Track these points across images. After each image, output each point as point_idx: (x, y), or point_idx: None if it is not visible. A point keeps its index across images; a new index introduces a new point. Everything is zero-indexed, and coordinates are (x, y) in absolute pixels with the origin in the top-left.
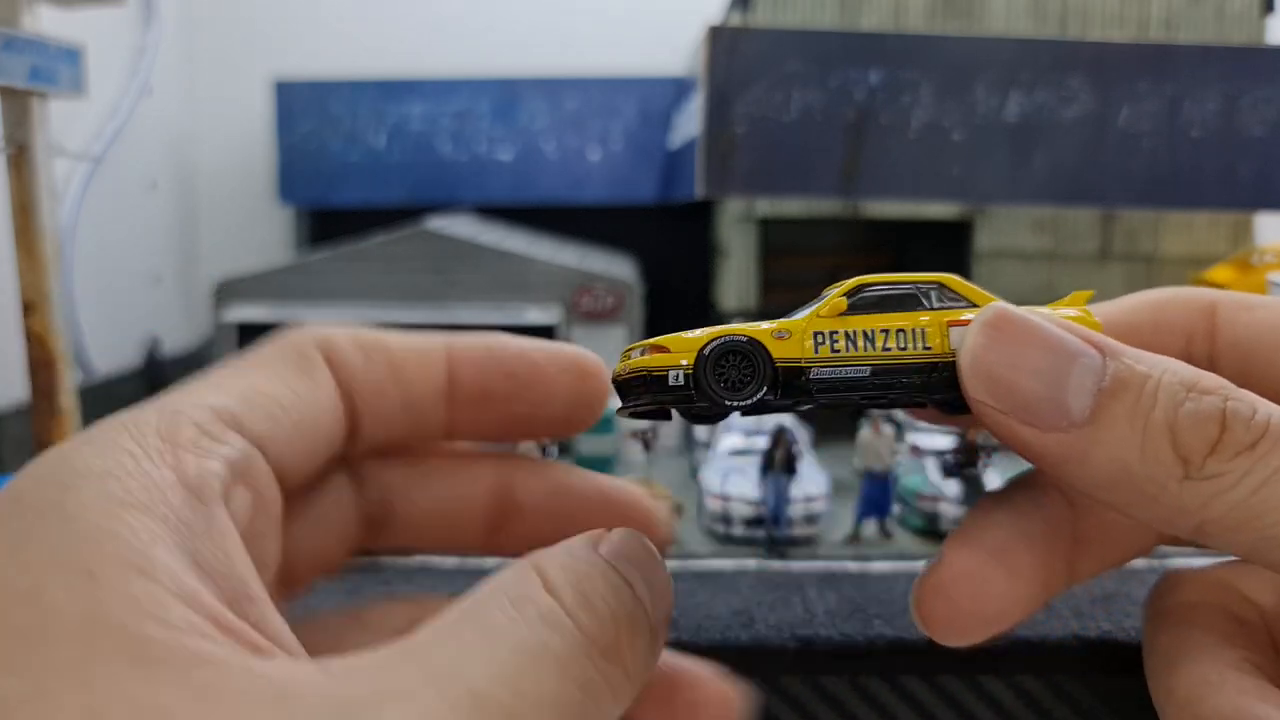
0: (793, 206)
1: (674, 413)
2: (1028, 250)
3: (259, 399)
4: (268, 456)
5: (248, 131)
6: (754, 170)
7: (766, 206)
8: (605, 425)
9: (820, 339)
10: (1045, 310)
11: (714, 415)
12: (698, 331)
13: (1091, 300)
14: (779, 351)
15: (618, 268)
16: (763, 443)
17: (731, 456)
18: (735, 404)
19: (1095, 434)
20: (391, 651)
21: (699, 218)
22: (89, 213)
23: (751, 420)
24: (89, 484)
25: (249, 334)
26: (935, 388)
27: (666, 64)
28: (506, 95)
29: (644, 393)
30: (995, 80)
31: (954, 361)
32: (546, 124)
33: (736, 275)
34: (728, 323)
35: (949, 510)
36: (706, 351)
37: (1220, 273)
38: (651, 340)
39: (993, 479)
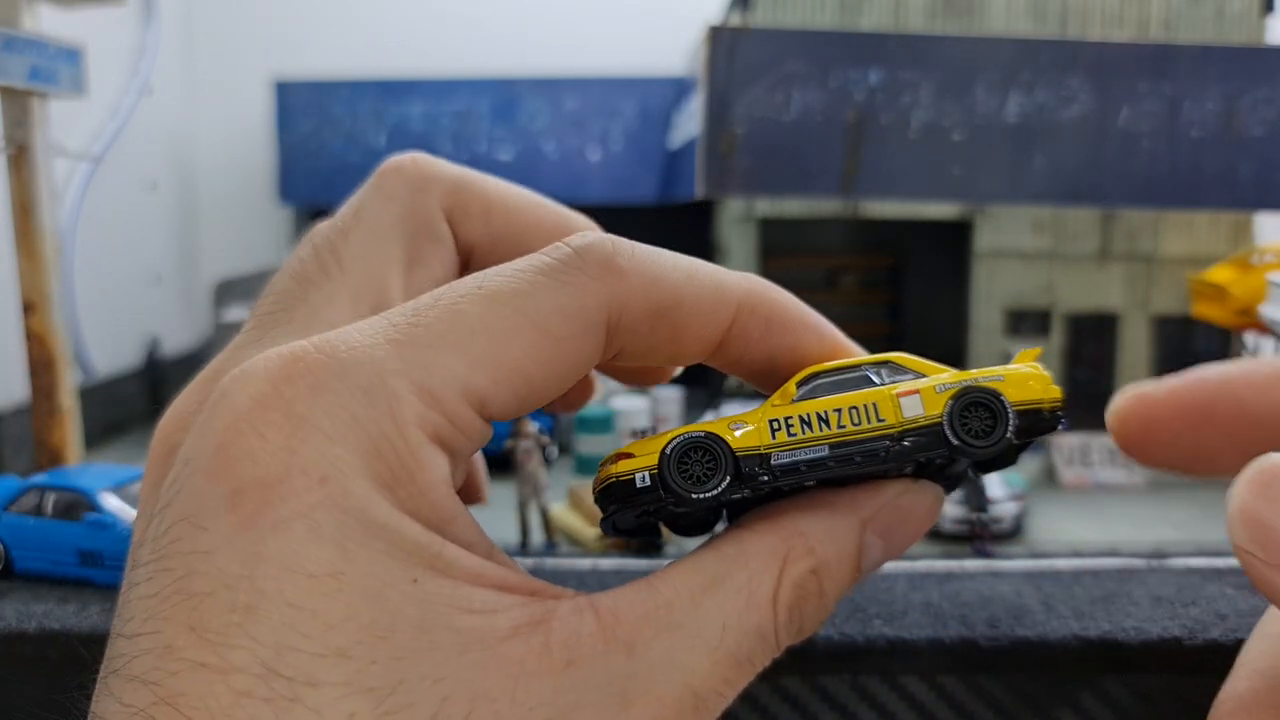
0: (792, 206)
1: (663, 529)
2: (1028, 250)
3: (514, 380)
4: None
5: (248, 131)
6: (754, 170)
7: (766, 206)
8: (605, 424)
9: (776, 425)
10: (1000, 371)
11: (697, 524)
12: (661, 434)
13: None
14: (738, 442)
15: None
16: None
17: None
18: (702, 497)
19: None
20: (651, 608)
21: (699, 218)
22: (89, 213)
23: None
24: (380, 494)
25: None
26: (894, 459)
27: (666, 64)
28: (506, 95)
29: (616, 500)
30: (995, 80)
31: (909, 430)
32: (546, 124)
33: None
34: None
35: (948, 510)
36: (668, 450)
37: (1220, 273)
38: (617, 450)
39: (993, 483)
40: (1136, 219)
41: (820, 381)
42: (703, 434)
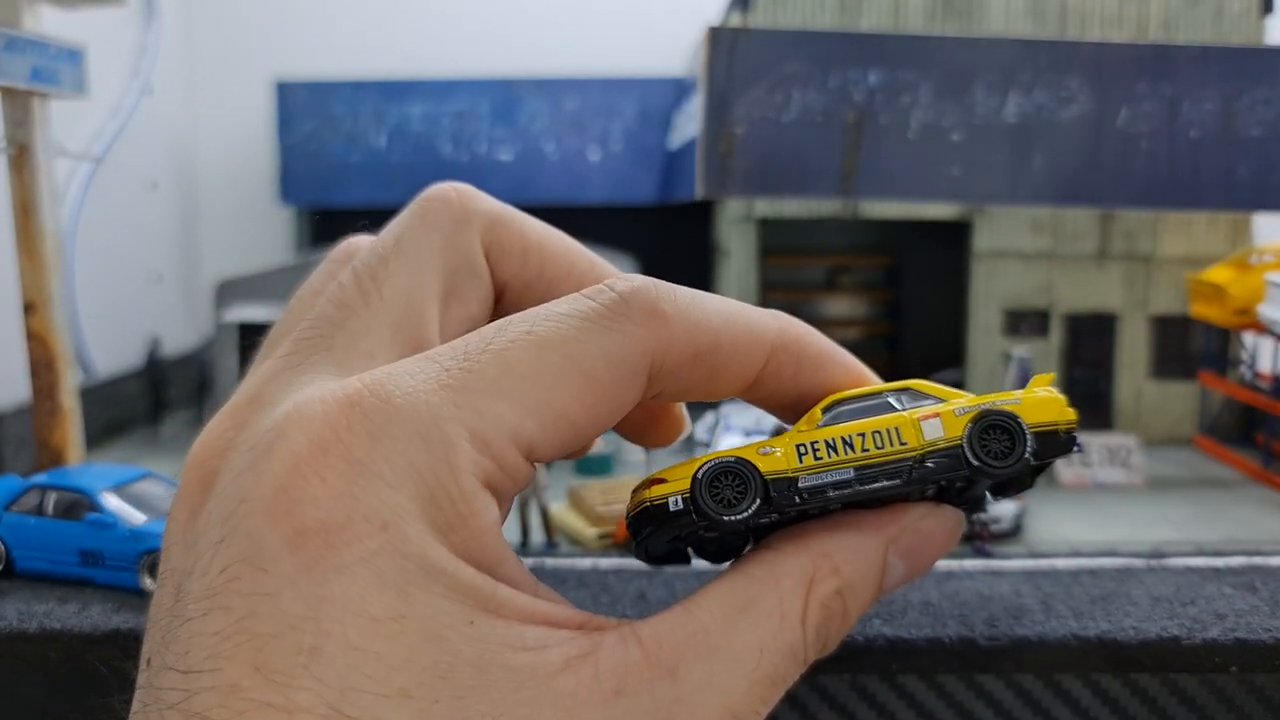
0: (792, 206)
1: (692, 555)
2: (1026, 251)
3: (561, 425)
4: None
5: (248, 132)
6: (754, 170)
7: (766, 206)
8: None
9: (803, 450)
10: (1017, 395)
11: (726, 550)
12: (692, 460)
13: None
14: (766, 466)
15: (618, 268)
16: None
17: None
18: (733, 519)
19: None
20: (690, 633)
21: (699, 218)
22: (90, 213)
23: (751, 420)
24: (437, 540)
25: (249, 334)
26: (916, 481)
27: (666, 64)
28: (507, 95)
29: (649, 524)
30: (994, 81)
31: (930, 452)
32: (547, 124)
33: (736, 275)
34: None
35: None
36: (700, 475)
37: (1219, 273)
38: (651, 475)
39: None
40: (1135, 219)
41: (844, 408)
42: (733, 459)
